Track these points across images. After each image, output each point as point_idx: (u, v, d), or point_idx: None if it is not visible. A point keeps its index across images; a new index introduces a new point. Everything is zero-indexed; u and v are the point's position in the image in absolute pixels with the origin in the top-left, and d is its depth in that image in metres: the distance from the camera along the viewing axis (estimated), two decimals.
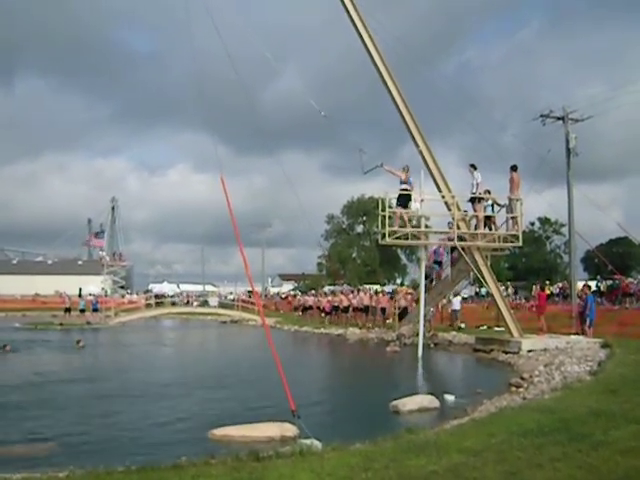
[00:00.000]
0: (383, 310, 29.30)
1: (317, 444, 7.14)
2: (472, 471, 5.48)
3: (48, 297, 70.08)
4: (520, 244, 20.34)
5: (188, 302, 55.87)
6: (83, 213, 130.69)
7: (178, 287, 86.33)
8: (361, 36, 20.30)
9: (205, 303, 55.32)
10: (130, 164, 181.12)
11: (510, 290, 44.20)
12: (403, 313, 26.40)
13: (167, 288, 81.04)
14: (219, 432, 8.76)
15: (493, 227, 20.33)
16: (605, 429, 6.89)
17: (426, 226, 20.29)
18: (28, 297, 72.45)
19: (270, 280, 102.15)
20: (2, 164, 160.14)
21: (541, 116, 26.06)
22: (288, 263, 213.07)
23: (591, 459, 5.74)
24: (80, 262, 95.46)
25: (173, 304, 52.52)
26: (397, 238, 19.77)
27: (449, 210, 20.02)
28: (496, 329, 23.88)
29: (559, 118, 25.82)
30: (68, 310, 44.37)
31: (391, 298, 30.39)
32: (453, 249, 20.70)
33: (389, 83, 20.22)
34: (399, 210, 19.37)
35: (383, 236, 19.37)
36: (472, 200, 19.86)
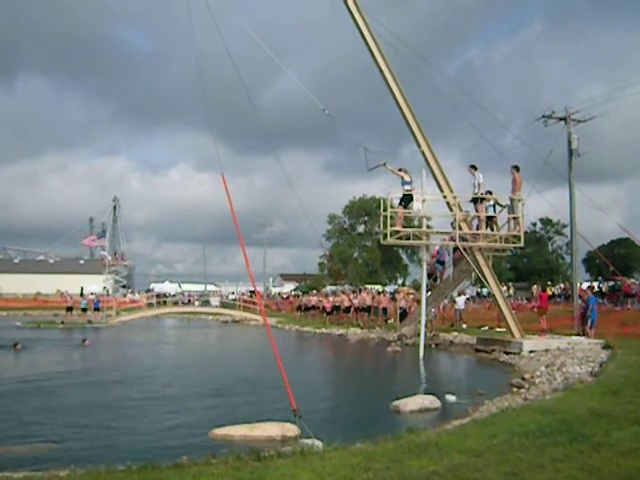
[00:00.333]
0: (385, 310, 29.31)
1: (318, 444, 7.14)
2: (473, 472, 5.48)
3: (50, 296, 70.22)
4: (522, 245, 20.32)
5: (189, 301, 55.93)
6: (84, 212, 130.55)
7: (179, 287, 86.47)
8: (364, 37, 20.29)
9: (206, 303, 55.41)
10: (131, 163, 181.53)
11: (512, 291, 44.14)
12: (403, 314, 26.45)
13: (168, 288, 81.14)
14: (220, 432, 8.76)
15: (495, 228, 20.32)
16: (607, 430, 6.88)
17: (428, 226, 20.28)
18: (30, 296, 72.51)
19: (271, 280, 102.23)
20: (3, 163, 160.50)
21: (543, 117, 26.07)
22: (289, 263, 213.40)
23: (592, 460, 5.74)
24: (82, 261, 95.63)
25: (175, 303, 52.62)
26: (399, 238, 19.77)
27: (451, 210, 20.03)
28: (497, 330, 23.89)
29: (561, 119, 25.82)
30: (70, 309, 44.43)
31: (392, 298, 30.42)
32: (455, 248, 20.72)
33: (392, 84, 20.22)
34: (400, 210, 19.37)
35: (385, 236, 19.37)
36: (474, 200, 19.86)
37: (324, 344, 27.49)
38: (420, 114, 20.33)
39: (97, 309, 44.35)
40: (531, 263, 76.25)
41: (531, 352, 17.56)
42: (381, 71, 20.36)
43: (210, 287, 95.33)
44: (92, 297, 50.98)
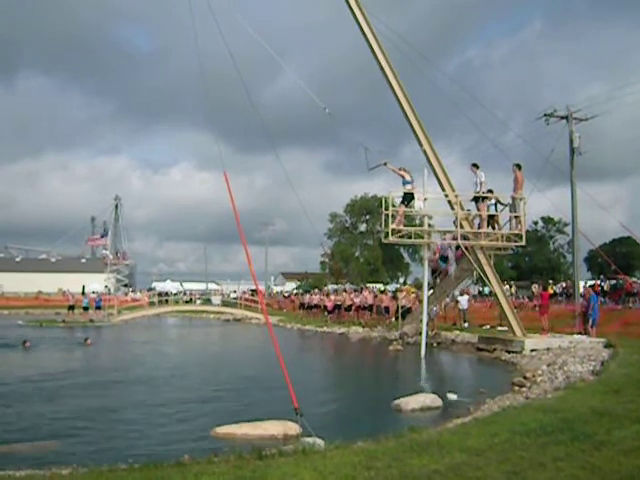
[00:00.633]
0: (387, 309, 29.31)
1: (320, 442, 7.14)
2: (475, 470, 5.48)
3: (51, 295, 70.27)
4: (523, 243, 20.31)
5: (191, 300, 55.94)
6: (86, 211, 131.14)
7: (181, 285, 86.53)
8: (364, 33, 20.28)
9: (208, 301, 55.43)
10: (132, 162, 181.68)
11: (513, 289, 44.12)
12: (404, 312, 26.50)
13: (170, 286, 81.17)
14: (222, 430, 8.77)
15: (496, 226, 20.31)
16: (608, 429, 6.88)
17: (429, 225, 20.28)
18: (31, 295, 72.58)
19: (273, 279, 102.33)
20: (5, 162, 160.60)
21: (545, 115, 26.05)
22: (291, 261, 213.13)
23: (594, 459, 5.74)
24: (83, 260, 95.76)
25: (176, 302, 52.65)
26: (400, 237, 19.76)
27: (452, 209, 20.02)
28: (499, 328, 23.87)
29: (563, 117, 25.80)
30: (72, 308, 44.47)
31: (394, 297, 30.40)
32: (457, 247, 20.71)
33: (393, 82, 20.21)
34: (401, 208, 19.36)
35: (386, 235, 19.37)
36: (475, 199, 19.84)
37: (326, 343, 27.50)
38: (420, 112, 20.38)
39: (99, 308, 44.37)
40: (533, 262, 76.33)
41: (533, 351, 17.55)
42: (382, 68, 20.35)
43: (212, 286, 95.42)
44: (94, 296, 51.02)
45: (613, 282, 36.84)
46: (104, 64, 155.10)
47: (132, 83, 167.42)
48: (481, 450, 6.18)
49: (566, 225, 67.88)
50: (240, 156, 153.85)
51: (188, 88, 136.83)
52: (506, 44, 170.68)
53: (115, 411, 10.86)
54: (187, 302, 54.56)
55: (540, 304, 22.57)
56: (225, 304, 49.79)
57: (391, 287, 51.93)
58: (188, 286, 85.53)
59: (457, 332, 24.28)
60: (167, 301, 51.12)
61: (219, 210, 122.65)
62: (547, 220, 78.17)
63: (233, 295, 57.92)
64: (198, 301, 55.86)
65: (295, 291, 69.24)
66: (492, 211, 20.22)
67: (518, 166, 19.76)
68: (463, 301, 28.49)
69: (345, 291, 37.81)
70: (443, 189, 20.11)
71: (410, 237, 20.14)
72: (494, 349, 19.18)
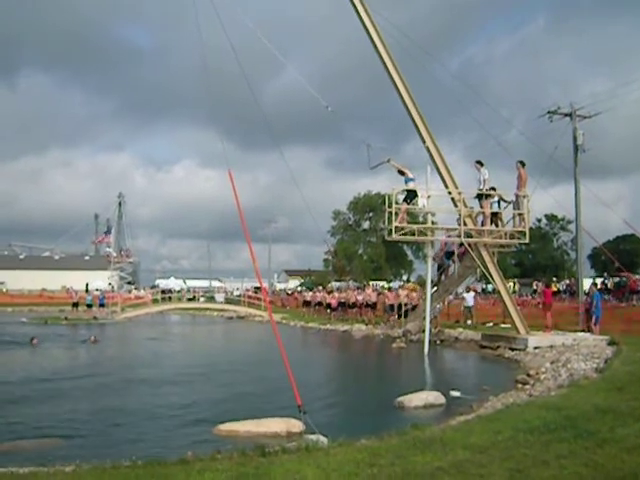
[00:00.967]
0: (392, 307, 29.27)
1: (323, 440, 7.15)
2: (478, 468, 5.48)
3: (55, 292, 70.44)
4: (527, 241, 20.26)
5: (194, 297, 56.06)
6: (89, 209, 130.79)
7: (184, 283, 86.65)
8: (366, 28, 20.17)
9: (211, 299, 55.50)
10: (135, 160, 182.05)
11: (517, 287, 44.10)
12: (405, 310, 26.65)
13: (173, 284, 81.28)
14: (225, 427, 8.78)
15: (500, 224, 20.27)
16: (611, 426, 6.86)
17: (432, 222, 20.24)
18: (35, 292, 72.75)
19: (276, 276, 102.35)
20: (8, 160, 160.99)
21: (548, 113, 25.95)
22: (294, 259, 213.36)
23: (597, 456, 5.73)
24: (87, 257, 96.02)
25: (179, 299, 52.75)
26: (404, 234, 19.74)
27: (455, 206, 19.98)
28: (502, 326, 23.84)
29: (567, 115, 25.72)
30: (76, 305, 44.64)
31: (397, 295, 30.36)
32: (460, 244, 20.69)
33: (396, 79, 20.15)
34: (404, 206, 19.32)
35: (389, 232, 19.34)
36: (479, 196, 19.81)
37: (329, 340, 27.51)
38: (422, 109, 20.29)
39: (102, 305, 44.49)
40: (536, 259, 76.21)
41: (536, 348, 17.52)
42: (384, 64, 20.27)
43: (215, 283, 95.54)
44: (97, 293, 51.16)
45: (617, 280, 36.75)
46: (105, 61, 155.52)
47: (133, 80, 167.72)
48: (484, 447, 6.18)
49: (570, 222, 67.62)
50: (242, 153, 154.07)
51: (190, 85, 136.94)
52: (508, 40, 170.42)
53: (118, 408, 10.87)
54: (190, 299, 54.65)
55: (543, 301, 22.53)
56: (228, 301, 49.87)
57: (394, 284, 51.91)
58: (191, 283, 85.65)
59: (460, 329, 24.27)
60: (170, 298, 51.21)
61: (222, 207, 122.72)
62: (551, 217, 78.01)
63: (236, 292, 58.00)
64: (202, 298, 55.94)
65: (299, 289, 69.30)
66: (495, 208, 20.19)
67: (522, 163, 19.72)
68: (469, 298, 28.42)
69: (348, 288, 37.83)
70: (446, 186, 20.07)
71: (413, 234, 20.11)
72: (497, 346, 19.16)
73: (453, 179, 20.05)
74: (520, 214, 19.90)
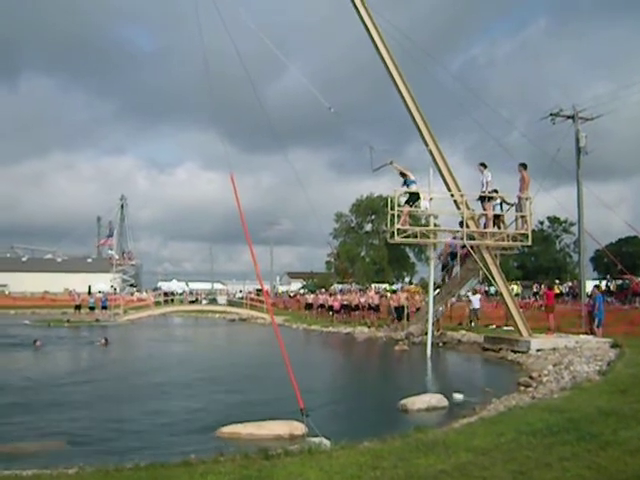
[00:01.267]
0: (397, 309, 29.26)
1: (326, 442, 7.15)
2: (481, 470, 5.47)
3: (57, 295, 70.48)
4: (529, 243, 20.25)
5: (197, 300, 56.04)
6: (91, 211, 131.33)
7: (187, 285, 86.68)
8: (369, 30, 20.17)
9: (214, 301, 55.51)
10: (138, 162, 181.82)
11: (519, 289, 43.95)
12: (401, 313, 26.71)
13: (176, 286, 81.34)
14: (228, 430, 8.79)
15: (502, 226, 20.27)
16: (614, 429, 6.85)
17: (435, 225, 20.22)
18: (38, 295, 72.81)
19: (278, 278, 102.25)
20: (10, 163, 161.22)
21: (551, 115, 25.95)
22: (296, 261, 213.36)
23: (600, 459, 5.72)
24: (89, 260, 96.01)
25: (182, 302, 52.79)
26: (406, 237, 19.73)
27: (458, 209, 19.98)
28: (505, 328, 23.82)
29: (569, 117, 25.72)
30: (78, 307, 44.68)
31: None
32: (463, 247, 20.68)
33: (398, 81, 20.15)
34: (406, 208, 19.31)
35: (392, 234, 19.33)
36: (481, 199, 19.81)
37: (331, 343, 27.51)
38: (424, 111, 20.28)
39: (105, 307, 44.52)
40: (539, 261, 76.05)
41: (539, 351, 17.50)
42: (386, 66, 20.27)
43: (217, 285, 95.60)
44: (100, 295, 51.21)
45: (619, 282, 36.69)
46: (106, 64, 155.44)
47: (135, 83, 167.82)
48: (487, 450, 6.17)
49: (572, 225, 67.64)
50: (245, 156, 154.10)
51: (192, 87, 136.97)
52: (510, 42, 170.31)
53: (121, 411, 10.89)
54: (193, 302, 54.66)
55: (546, 304, 22.50)
56: (231, 304, 49.87)
57: (397, 287, 51.86)
58: (194, 286, 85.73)
59: (463, 332, 24.24)
60: (173, 301, 51.23)
61: (225, 210, 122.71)
62: (553, 220, 77.89)
63: (239, 295, 58.00)
64: (204, 301, 55.95)
65: (301, 291, 69.27)
66: (498, 211, 20.17)
67: (524, 166, 19.71)
68: (475, 300, 28.36)
69: (351, 290, 37.82)
70: (449, 189, 20.07)
71: (416, 237, 20.10)
72: (500, 349, 19.15)
73: (455, 181, 20.05)
74: (522, 216, 19.89)
